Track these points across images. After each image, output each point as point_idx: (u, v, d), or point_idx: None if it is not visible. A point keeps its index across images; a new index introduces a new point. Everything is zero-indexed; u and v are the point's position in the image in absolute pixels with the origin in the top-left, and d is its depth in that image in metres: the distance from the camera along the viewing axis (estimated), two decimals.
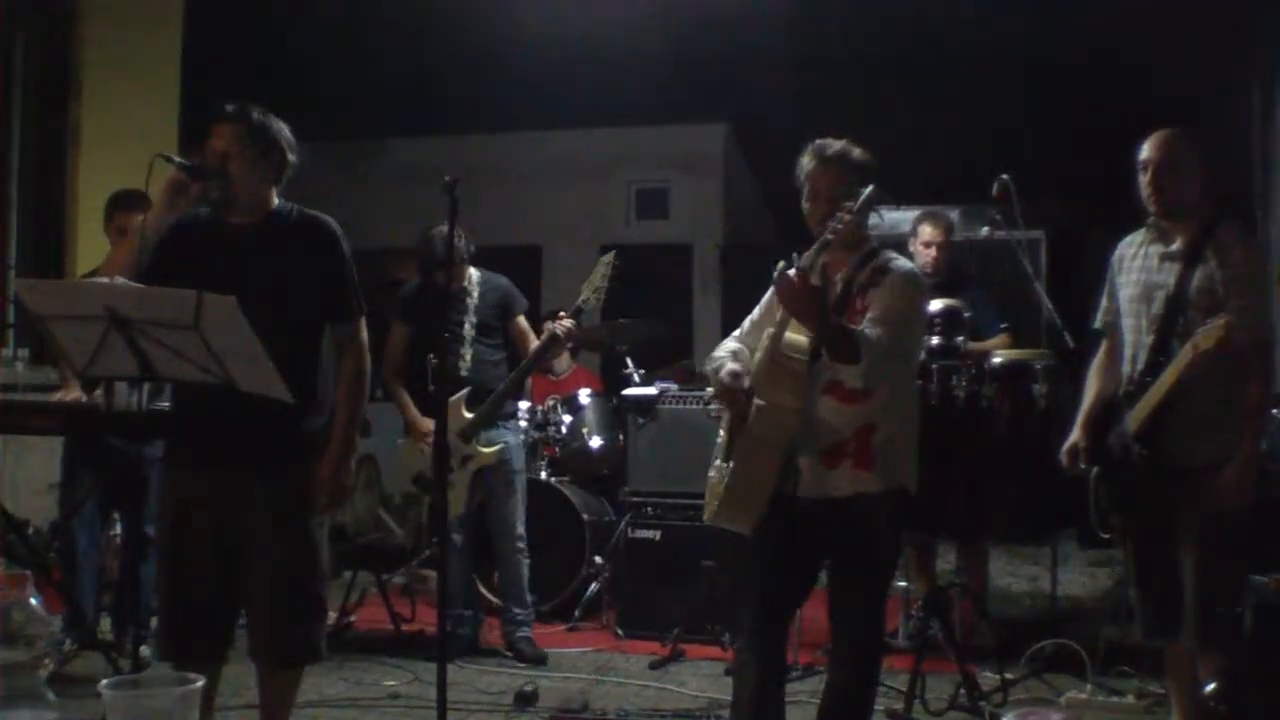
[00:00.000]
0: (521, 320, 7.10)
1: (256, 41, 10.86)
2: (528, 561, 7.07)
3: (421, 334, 7.00)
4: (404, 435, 7.30)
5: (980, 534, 6.98)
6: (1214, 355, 4.33)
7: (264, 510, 4.32)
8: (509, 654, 6.92)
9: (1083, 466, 4.97)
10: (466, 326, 6.99)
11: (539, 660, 6.80)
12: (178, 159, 4.28)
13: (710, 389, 7.37)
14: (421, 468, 7.06)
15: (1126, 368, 4.85)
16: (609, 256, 6.77)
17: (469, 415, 6.84)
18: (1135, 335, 4.83)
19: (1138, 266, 4.87)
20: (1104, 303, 5.10)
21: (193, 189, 4.32)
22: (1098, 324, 5.15)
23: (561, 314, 6.78)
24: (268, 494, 4.33)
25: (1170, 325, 4.67)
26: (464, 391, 6.85)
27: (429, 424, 6.79)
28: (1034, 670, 6.04)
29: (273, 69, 10.37)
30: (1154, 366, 4.66)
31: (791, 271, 4.06)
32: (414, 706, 5.95)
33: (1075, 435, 5.05)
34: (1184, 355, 4.43)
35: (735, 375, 4.39)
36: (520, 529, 7.03)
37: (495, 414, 6.94)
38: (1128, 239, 5.00)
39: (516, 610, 7.00)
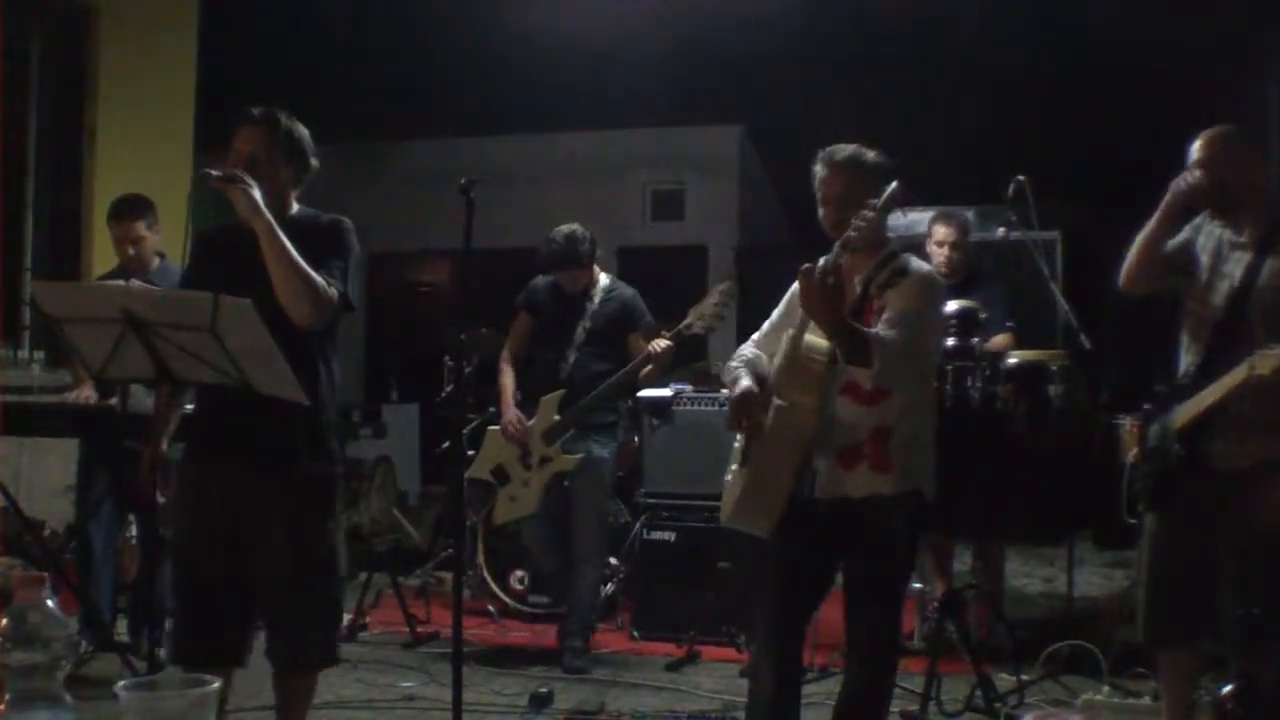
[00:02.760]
0: (640, 337, 6.88)
1: (271, 44, 10.89)
2: (595, 575, 7.00)
3: (540, 328, 6.98)
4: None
5: (996, 535, 6.97)
6: (1270, 384, 4.14)
7: (279, 512, 4.31)
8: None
9: None
10: (579, 330, 6.88)
11: (578, 671, 6.67)
12: (215, 171, 4.26)
13: (725, 391, 7.40)
14: (503, 460, 6.93)
15: (1181, 357, 4.71)
16: (726, 286, 6.68)
17: (557, 418, 6.80)
18: (1194, 320, 4.67)
19: (1210, 249, 4.68)
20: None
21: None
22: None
23: (664, 334, 6.60)
24: (282, 495, 4.32)
25: (1230, 320, 4.52)
26: (558, 393, 6.78)
27: (517, 418, 6.79)
28: (1050, 672, 6.03)
29: (288, 71, 10.41)
30: (1208, 363, 4.52)
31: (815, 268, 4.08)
32: (429, 708, 5.96)
33: None
34: (1238, 374, 4.25)
35: (746, 394, 4.40)
36: (590, 544, 6.92)
37: (583, 422, 6.81)
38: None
39: (571, 620, 6.92)
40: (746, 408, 4.38)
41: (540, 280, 7.13)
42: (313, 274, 4.23)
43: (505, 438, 6.84)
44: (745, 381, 4.45)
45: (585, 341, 6.89)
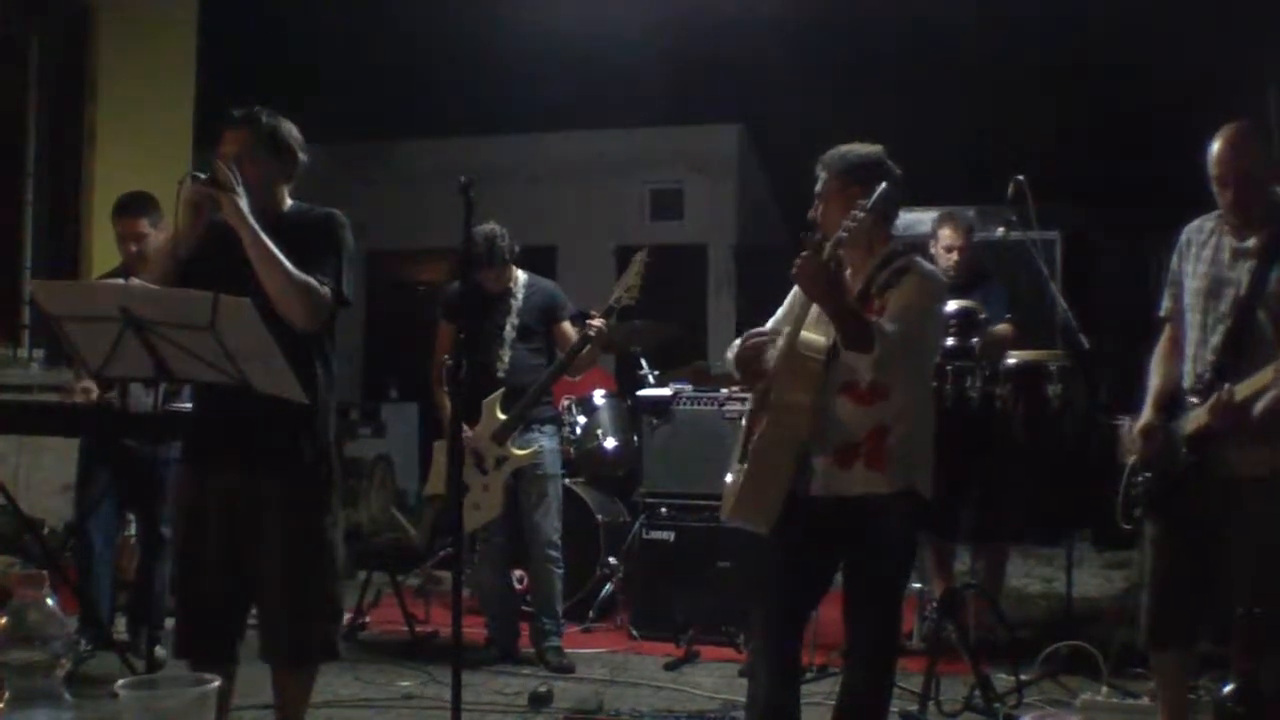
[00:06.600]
0: (566, 325, 6.95)
1: (270, 42, 10.88)
2: (560, 572, 6.97)
3: (465, 334, 6.94)
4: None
5: (996, 535, 6.96)
6: None
7: (277, 510, 4.32)
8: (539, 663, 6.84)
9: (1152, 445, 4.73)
10: (508, 328, 6.89)
11: (566, 670, 6.70)
12: (204, 175, 4.27)
13: (724, 390, 7.41)
14: None
15: (1187, 365, 4.69)
16: (641, 254, 6.67)
17: (503, 417, 6.79)
18: (1199, 332, 4.63)
19: (1207, 258, 4.65)
20: (1168, 290, 4.88)
21: (209, 201, 4.28)
22: (1162, 312, 4.93)
23: (594, 313, 6.67)
24: (280, 493, 4.33)
25: (1239, 326, 4.49)
26: (499, 393, 6.79)
27: (468, 430, 6.70)
28: (1048, 672, 6.02)
29: (287, 70, 10.41)
30: (1221, 370, 4.47)
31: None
32: (428, 707, 5.95)
33: (1148, 415, 4.78)
34: (1263, 378, 4.22)
35: (756, 333, 4.44)
36: (554, 537, 6.93)
37: (529, 416, 6.83)
38: (1195, 224, 4.77)
39: (545, 620, 6.91)
40: (757, 349, 4.42)
41: (454, 286, 7.16)
42: (303, 276, 4.24)
43: None
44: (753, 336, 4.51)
45: (517, 338, 6.91)
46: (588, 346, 6.68)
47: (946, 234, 7.14)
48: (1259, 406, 4.28)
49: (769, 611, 4.50)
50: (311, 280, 4.26)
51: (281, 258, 4.20)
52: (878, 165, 4.43)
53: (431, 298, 7.06)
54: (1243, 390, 4.32)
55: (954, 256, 7.09)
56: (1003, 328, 6.94)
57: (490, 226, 6.79)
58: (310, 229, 4.44)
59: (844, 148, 4.50)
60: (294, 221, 4.46)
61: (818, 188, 4.49)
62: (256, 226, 4.20)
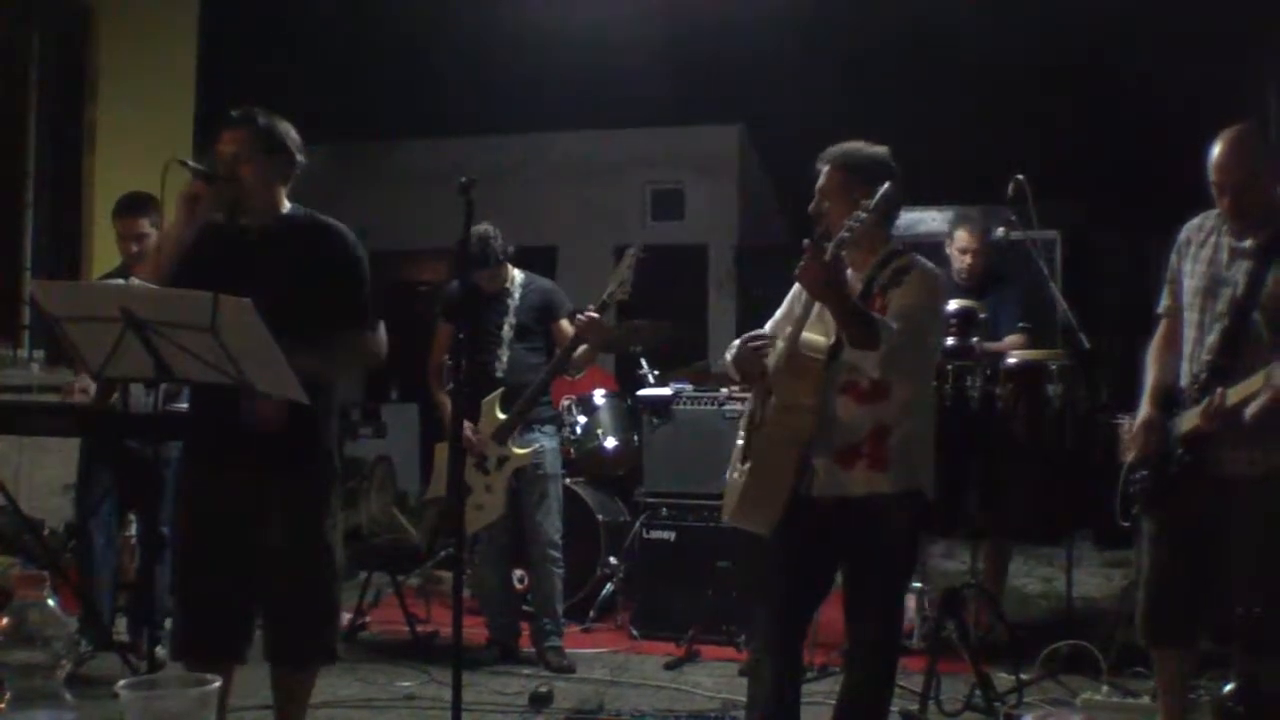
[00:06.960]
0: (565, 323, 6.92)
1: (271, 43, 10.88)
2: (561, 572, 6.98)
3: (462, 334, 6.93)
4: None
5: (996, 535, 6.96)
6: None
7: (278, 511, 4.34)
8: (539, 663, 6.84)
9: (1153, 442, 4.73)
10: (506, 328, 6.90)
11: (567, 670, 6.70)
12: (193, 164, 4.28)
13: (725, 390, 7.41)
14: None
15: (1184, 364, 4.71)
16: (634, 249, 6.67)
17: (503, 416, 6.79)
18: (1196, 331, 4.65)
19: (1205, 257, 4.67)
20: (1166, 287, 4.90)
21: (207, 196, 4.30)
22: (1160, 309, 4.95)
23: (590, 307, 6.64)
24: (282, 495, 4.34)
25: (1235, 327, 4.51)
26: (498, 392, 6.79)
27: (468, 430, 6.67)
28: (1049, 671, 6.03)
29: (287, 71, 10.39)
30: (1216, 370, 4.50)
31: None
32: (429, 708, 5.96)
33: (1147, 411, 4.79)
34: (1254, 383, 4.25)
35: (756, 336, 4.43)
36: (555, 537, 6.94)
37: (529, 415, 6.83)
38: (1194, 222, 4.80)
39: (545, 620, 6.92)
40: (756, 352, 4.42)
41: (452, 288, 7.17)
42: (361, 350, 4.49)
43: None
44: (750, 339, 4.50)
45: (515, 337, 6.92)
46: (583, 345, 6.68)
47: (962, 236, 7.16)
48: (1250, 410, 4.29)
49: (771, 611, 4.50)
50: (368, 344, 4.50)
51: (351, 356, 4.53)
52: (882, 165, 4.44)
53: (431, 298, 7.03)
54: (1234, 395, 4.34)
55: (968, 259, 7.11)
56: (1013, 338, 6.95)
57: (484, 226, 6.77)
58: (316, 242, 4.46)
59: (848, 144, 4.50)
60: (295, 227, 4.46)
61: (820, 182, 4.48)
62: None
